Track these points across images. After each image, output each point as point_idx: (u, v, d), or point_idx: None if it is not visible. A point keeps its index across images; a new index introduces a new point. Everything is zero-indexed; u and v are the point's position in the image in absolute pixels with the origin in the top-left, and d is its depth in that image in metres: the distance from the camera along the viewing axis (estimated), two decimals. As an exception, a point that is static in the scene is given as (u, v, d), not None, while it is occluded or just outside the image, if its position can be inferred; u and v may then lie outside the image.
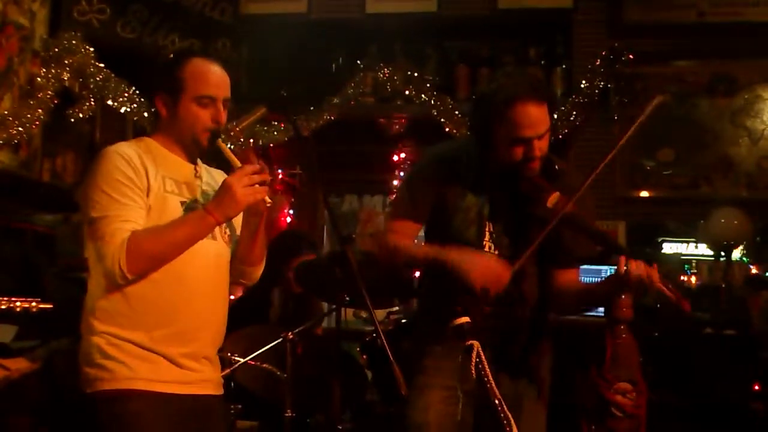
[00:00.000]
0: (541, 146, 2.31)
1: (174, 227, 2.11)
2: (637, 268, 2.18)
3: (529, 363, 2.51)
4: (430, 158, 2.55)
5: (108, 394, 2.06)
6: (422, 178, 2.51)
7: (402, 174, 5.31)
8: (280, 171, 5.44)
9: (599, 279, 4.27)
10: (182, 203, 2.17)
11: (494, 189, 2.43)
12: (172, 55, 2.37)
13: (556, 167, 2.40)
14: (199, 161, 2.31)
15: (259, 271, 2.41)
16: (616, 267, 2.22)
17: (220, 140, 2.22)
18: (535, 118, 2.28)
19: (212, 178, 2.34)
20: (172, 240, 2.09)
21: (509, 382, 2.42)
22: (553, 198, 2.29)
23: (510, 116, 2.27)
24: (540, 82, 2.43)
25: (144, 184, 2.11)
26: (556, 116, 4.40)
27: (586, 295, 2.49)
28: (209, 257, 2.21)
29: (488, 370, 1.80)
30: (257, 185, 2.11)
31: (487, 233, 2.44)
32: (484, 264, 2.30)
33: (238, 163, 2.17)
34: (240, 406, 3.23)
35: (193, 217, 2.13)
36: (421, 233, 2.61)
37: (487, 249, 2.44)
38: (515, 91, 2.27)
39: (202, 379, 2.20)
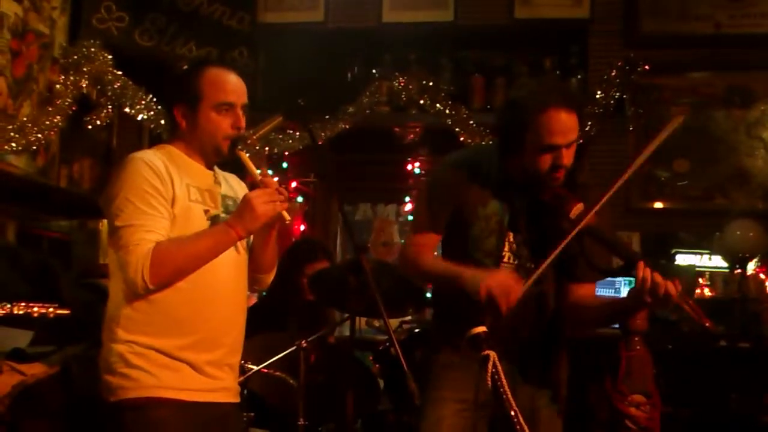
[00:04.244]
0: (568, 155, 2.29)
1: (197, 240, 2.13)
2: (657, 278, 2.13)
3: (551, 377, 2.50)
4: (449, 165, 2.52)
5: (133, 402, 2.08)
6: (440, 186, 2.49)
7: (417, 183, 5.32)
8: (294, 179, 5.47)
9: (613, 291, 4.32)
10: (205, 212, 2.20)
11: (515, 198, 2.41)
12: (186, 66, 2.40)
13: (579, 179, 2.39)
14: (215, 167, 2.33)
15: (270, 277, 2.43)
16: (638, 281, 2.16)
17: (242, 151, 2.24)
18: (567, 125, 2.26)
19: (229, 183, 2.36)
20: (196, 253, 2.11)
21: (528, 396, 2.40)
22: (577, 209, 2.26)
23: (542, 122, 2.24)
24: (572, 91, 2.42)
25: (170, 194, 2.12)
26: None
27: (605, 311, 2.46)
28: (231, 266, 2.23)
29: (504, 381, 1.79)
30: (277, 201, 2.13)
31: (507, 243, 2.42)
32: (496, 278, 2.26)
33: (257, 173, 2.20)
34: (252, 414, 3.23)
35: (216, 230, 2.15)
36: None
37: (506, 260, 2.42)
38: (549, 98, 2.26)
39: (223, 387, 2.23)
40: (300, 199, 5.57)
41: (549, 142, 2.26)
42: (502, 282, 2.23)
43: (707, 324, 2.16)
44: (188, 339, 2.14)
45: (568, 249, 2.26)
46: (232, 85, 2.24)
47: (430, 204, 2.50)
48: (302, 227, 5.56)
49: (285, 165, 5.34)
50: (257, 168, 2.27)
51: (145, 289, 2.07)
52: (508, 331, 2.35)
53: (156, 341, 2.11)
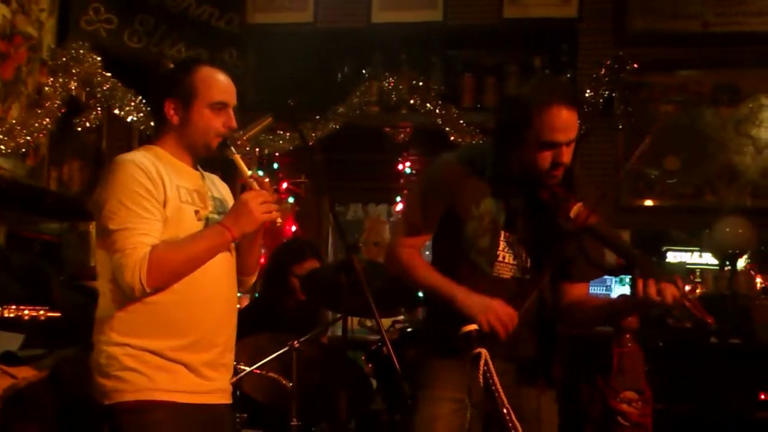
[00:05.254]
0: (568, 153, 2.29)
1: (193, 243, 2.13)
2: (670, 290, 2.13)
3: (551, 374, 2.50)
4: (443, 164, 2.50)
5: (129, 405, 2.07)
6: (434, 186, 2.48)
7: (408, 183, 5.32)
8: (285, 180, 5.46)
9: (605, 289, 4.33)
10: (196, 212, 2.19)
11: (511, 197, 2.41)
12: (174, 63, 2.40)
13: (575, 178, 2.39)
14: (198, 167, 2.33)
15: (252, 279, 2.44)
16: (641, 288, 2.16)
17: (234, 152, 2.24)
18: (568, 122, 2.26)
19: (214, 184, 2.36)
20: (192, 255, 2.12)
21: (531, 392, 2.41)
22: (576, 208, 2.27)
23: (544, 119, 2.24)
24: (573, 89, 2.42)
25: (161, 196, 2.12)
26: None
27: (601, 312, 2.47)
28: (222, 265, 2.23)
29: (496, 378, 1.80)
30: (271, 204, 2.14)
31: (502, 242, 2.41)
32: (492, 306, 2.28)
33: (248, 173, 2.20)
34: (245, 415, 3.23)
35: (211, 232, 2.16)
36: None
37: (501, 259, 2.42)
38: (552, 94, 2.26)
39: (217, 388, 2.23)
40: (291, 199, 5.56)
41: (551, 139, 2.26)
42: (499, 313, 2.25)
43: (709, 320, 2.16)
44: (183, 340, 2.13)
45: (569, 248, 2.27)
46: (225, 85, 2.25)
47: (422, 203, 2.48)
48: (293, 228, 5.56)
49: (276, 165, 5.33)
50: (248, 169, 2.28)
51: (142, 292, 2.06)
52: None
53: (150, 343, 2.10)
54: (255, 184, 2.19)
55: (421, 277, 2.45)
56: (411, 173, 5.38)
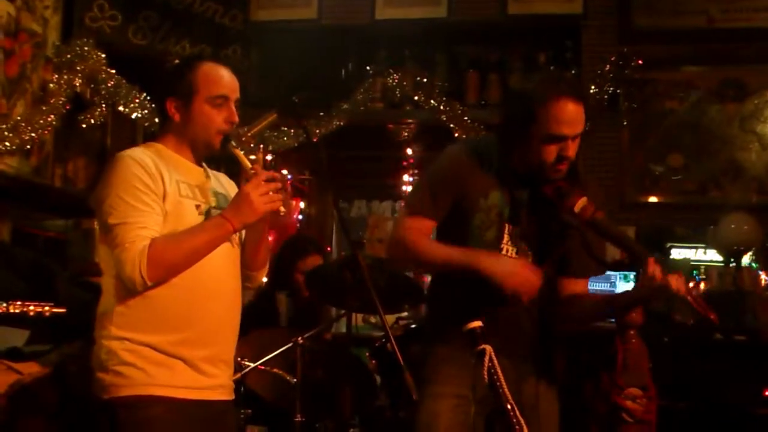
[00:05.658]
0: (573, 147, 2.30)
1: (193, 234, 2.12)
2: (676, 281, 2.15)
3: (552, 369, 2.50)
4: (454, 153, 2.49)
5: (126, 400, 2.07)
6: (444, 173, 2.47)
7: (411, 179, 5.32)
8: (289, 176, 5.46)
9: (609, 285, 4.33)
10: (197, 207, 2.19)
11: (516, 191, 2.41)
12: (178, 61, 2.40)
13: (580, 173, 2.39)
14: (203, 164, 2.32)
15: (262, 275, 2.42)
16: (647, 277, 2.17)
17: (234, 146, 2.23)
18: (575, 115, 2.27)
19: (219, 181, 2.36)
20: (192, 247, 2.11)
21: (531, 389, 2.41)
22: (581, 203, 2.27)
23: (550, 112, 2.25)
24: (579, 84, 2.44)
25: (160, 190, 2.12)
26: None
27: (601, 307, 2.48)
28: (224, 260, 2.22)
29: (501, 374, 1.80)
30: (273, 194, 2.13)
31: (506, 236, 2.41)
32: (518, 269, 2.28)
33: (249, 166, 2.20)
34: (249, 411, 3.24)
35: (211, 224, 2.15)
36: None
37: (504, 252, 2.41)
38: (559, 88, 2.27)
39: (218, 384, 2.22)
40: (295, 196, 5.57)
41: (557, 132, 2.26)
42: (525, 276, 2.26)
43: (712, 317, 2.16)
44: (182, 334, 2.13)
45: (570, 243, 2.27)
46: (225, 78, 2.24)
47: (432, 189, 2.46)
48: (297, 225, 5.57)
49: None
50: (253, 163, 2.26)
51: (143, 285, 2.06)
52: (510, 326, 2.36)
53: (149, 337, 2.10)
54: (257, 176, 2.17)
55: (431, 251, 2.41)
56: (415, 170, 5.39)
